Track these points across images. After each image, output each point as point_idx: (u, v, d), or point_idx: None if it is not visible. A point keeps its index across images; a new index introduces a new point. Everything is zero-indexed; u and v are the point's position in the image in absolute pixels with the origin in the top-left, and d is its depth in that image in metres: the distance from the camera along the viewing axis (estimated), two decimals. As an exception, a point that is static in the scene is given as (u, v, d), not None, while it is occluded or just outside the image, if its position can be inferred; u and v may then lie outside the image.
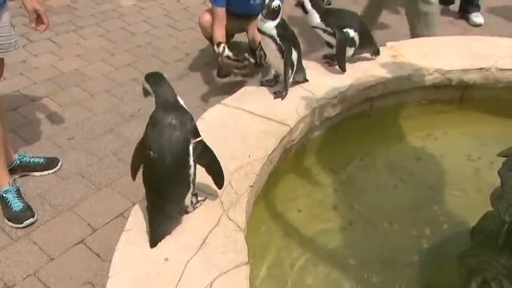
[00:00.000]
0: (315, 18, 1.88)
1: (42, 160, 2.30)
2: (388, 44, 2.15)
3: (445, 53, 2.08)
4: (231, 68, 2.70)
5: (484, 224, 1.30)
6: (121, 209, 2.04)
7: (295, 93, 1.77)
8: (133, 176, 1.31)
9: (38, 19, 1.94)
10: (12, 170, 2.19)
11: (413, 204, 1.73)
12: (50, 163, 2.30)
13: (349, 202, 1.72)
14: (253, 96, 1.79)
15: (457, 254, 1.39)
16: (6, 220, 2.00)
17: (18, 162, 2.23)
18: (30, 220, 2.00)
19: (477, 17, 3.77)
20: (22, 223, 1.99)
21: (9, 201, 2.03)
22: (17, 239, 1.94)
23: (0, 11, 1.84)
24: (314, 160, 1.87)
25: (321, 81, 1.84)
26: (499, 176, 1.24)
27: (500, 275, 1.23)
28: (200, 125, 1.36)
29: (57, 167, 2.31)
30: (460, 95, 2.06)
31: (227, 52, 2.57)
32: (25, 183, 2.21)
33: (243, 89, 1.86)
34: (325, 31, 1.91)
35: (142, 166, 1.21)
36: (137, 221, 1.25)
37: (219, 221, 1.26)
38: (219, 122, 1.64)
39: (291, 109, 1.70)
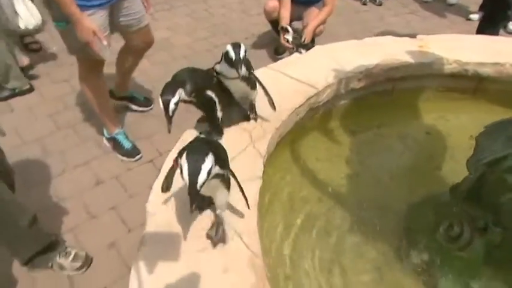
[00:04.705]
0: None
1: (143, 98, 2.52)
2: (419, 36, 2.13)
3: (468, 48, 2.02)
4: (288, 48, 2.78)
5: (461, 182, 1.33)
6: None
7: (328, 64, 1.83)
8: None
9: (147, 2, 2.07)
10: (121, 98, 2.44)
11: (413, 167, 1.76)
12: (148, 102, 2.53)
13: (360, 159, 1.77)
14: (293, 64, 1.87)
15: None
16: (120, 156, 2.16)
17: (129, 94, 2.48)
18: (139, 156, 2.17)
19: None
20: (134, 157, 2.16)
21: (120, 142, 2.18)
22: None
23: None
24: (337, 123, 1.92)
25: (351, 58, 1.87)
26: (475, 140, 1.27)
27: (463, 220, 1.27)
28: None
29: (151, 106, 2.54)
30: (475, 86, 2.01)
31: (288, 35, 2.65)
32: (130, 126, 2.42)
33: (285, 58, 1.95)
34: None
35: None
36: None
37: (246, 147, 1.38)
38: (262, 80, 1.74)
39: (322, 77, 1.76)
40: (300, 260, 1.35)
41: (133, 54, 2.18)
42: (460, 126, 1.94)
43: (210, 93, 1.30)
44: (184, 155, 0.87)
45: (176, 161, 0.98)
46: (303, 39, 2.71)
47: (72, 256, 1.60)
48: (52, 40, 3.26)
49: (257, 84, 1.43)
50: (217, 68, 1.35)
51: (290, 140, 1.71)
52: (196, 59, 2.99)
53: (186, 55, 3.09)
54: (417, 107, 2.03)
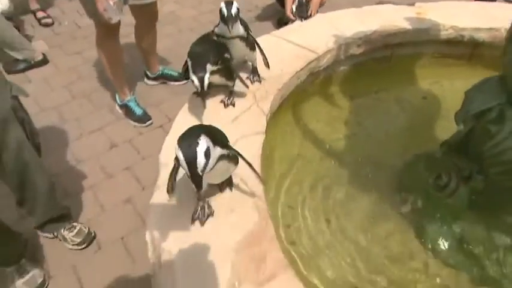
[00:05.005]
0: None
1: (176, 73, 2.56)
2: (417, 4, 2.16)
3: (464, 14, 2.05)
4: (292, 20, 2.82)
5: (450, 136, 1.42)
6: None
7: (328, 31, 1.89)
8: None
9: None
10: (155, 78, 2.48)
11: (409, 128, 1.83)
12: (181, 76, 2.53)
13: (359, 120, 1.85)
14: (294, 31, 1.94)
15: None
16: (132, 121, 2.26)
17: (160, 72, 2.52)
18: (150, 122, 2.27)
19: None
20: (145, 123, 2.26)
21: (132, 108, 2.27)
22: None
23: None
24: (337, 88, 1.99)
25: (351, 25, 1.92)
26: (464, 94, 1.34)
27: (451, 171, 1.36)
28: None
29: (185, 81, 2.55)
30: (470, 52, 2.06)
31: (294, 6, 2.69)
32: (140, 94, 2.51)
33: (287, 26, 2.02)
34: None
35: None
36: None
37: (250, 107, 1.47)
38: (264, 47, 1.81)
39: (322, 42, 1.82)
40: (299, 209, 1.46)
41: (146, 29, 2.25)
42: (454, 91, 1.98)
43: (227, 55, 1.35)
44: (176, 146, 0.83)
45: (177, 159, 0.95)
46: (309, 12, 2.75)
47: (75, 231, 1.66)
48: (63, 15, 3.33)
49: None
50: (216, 30, 1.40)
51: (292, 103, 1.79)
52: (202, 31, 3.01)
53: (192, 28, 3.15)
54: (414, 72, 2.09)
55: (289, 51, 1.78)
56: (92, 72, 2.67)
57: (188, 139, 0.83)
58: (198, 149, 0.80)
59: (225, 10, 1.29)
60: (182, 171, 0.96)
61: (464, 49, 2.05)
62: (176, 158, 0.85)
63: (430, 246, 1.35)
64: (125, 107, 2.28)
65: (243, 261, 0.99)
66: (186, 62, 1.29)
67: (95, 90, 2.53)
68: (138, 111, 2.26)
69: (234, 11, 1.29)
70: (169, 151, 1.32)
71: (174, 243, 1.04)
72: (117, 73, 2.20)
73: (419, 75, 2.07)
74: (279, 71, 1.64)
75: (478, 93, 1.25)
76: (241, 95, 1.50)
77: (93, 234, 1.70)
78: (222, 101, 1.45)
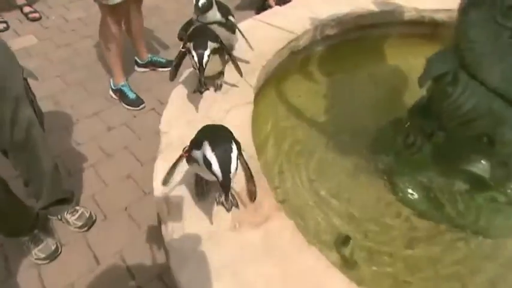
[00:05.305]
0: None
1: (164, 60, 2.63)
2: (385, -11, 2.31)
3: (428, -4, 2.21)
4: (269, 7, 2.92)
5: (415, 102, 1.57)
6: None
7: (305, 15, 2.01)
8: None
9: None
10: (145, 65, 2.55)
11: (381, 99, 1.96)
12: (169, 63, 2.62)
13: (336, 94, 1.97)
14: (274, 15, 2.05)
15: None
16: (126, 105, 2.34)
17: (150, 59, 2.60)
18: (143, 105, 2.36)
19: None
20: (138, 106, 2.34)
21: (125, 92, 2.35)
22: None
23: None
24: (316, 67, 2.11)
25: (326, 9, 2.03)
26: (426, 61, 1.49)
27: (417, 131, 1.51)
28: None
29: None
30: (431, 32, 2.21)
31: None
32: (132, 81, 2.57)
33: (267, 11, 2.14)
34: None
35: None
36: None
37: (238, 81, 1.57)
38: (246, 30, 1.90)
39: (300, 25, 1.94)
40: (285, 172, 1.59)
41: (133, 14, 2.31)
42: (419, 66, 2.15)
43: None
44: (207, 147, 0.81)
45: (189, 152, 0.95)
46: None
47: (77, 215, 1.72)
48: (50, 9, 3.34)
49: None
50: (194, 17, 1.47)
51: (275, 80, 1.91)
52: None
53: (176, 19, 3.21)
54: (384, 51, 2.23)
55: (270, 33, 1.89)
56: (84, 62, 2.72)
57: (222, 144, 0.81)
58: (232, 155, 0.79)
59: (194, 1, 1.38)
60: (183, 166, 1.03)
61: (425, 29, 2.20)
62: (189, 153, 0.90)
63: (401, 197, 1.51)
64: (119, 92, 2.36)
65: (241, 207, 1.11)
66: (180, 51, 1.33)
67: (88, 79, 2.59)
68: (131, 95, 2.34)
69: (201, 2, 1.37)
70: (168, 121, 1.42)
71: (180, 192, 1.15)
72: (115, 57, 2.28)
73: (389, 53, 2.22)
74: (263, 50, 1.75)
75: (436, 60, 1.40)
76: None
77: (94, 217, 1.75)
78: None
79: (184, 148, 0.98)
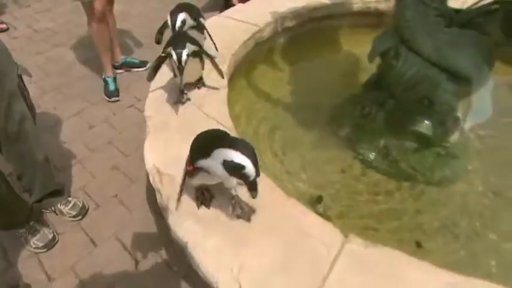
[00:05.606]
0: None
1: (137, 61, 2.73)
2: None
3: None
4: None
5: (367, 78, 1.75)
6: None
7: (266, 9, 2.16)
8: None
9: None
10: (120, 67, 2.65)
11: (337, 80, 2.12)
12: (142, 63, 2.73)
13: (298, 79, 2.10)
14: (238, 11, 2.19)
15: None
16: (104, 95, 2.45)
17: (124, 60, 2.69)
18: (115, 99, 2.44)
19: None
20: (111, 98, 2.43)
21: (108, 84, 2.47)
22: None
23: None
24: (279, 57, 2.26)
25: (285, 3, 2.19)
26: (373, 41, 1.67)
27: (371, 102, 1.69)
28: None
29: (146, 67, 2.73)
30: (376, 21, 2.41)
31: None
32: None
33: (232, 8, 2.27)
34: None
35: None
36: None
37: (211, 68, 1.69)
38: (215, 25, 2.04)
39: (262, 18, 2.09)
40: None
41: (107, 13, 2.39)
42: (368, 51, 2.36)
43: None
44: (239, 156, 0.82)
45: (192, 165, 0.95)
46: None
47: (71, 205, 1.75)
48: (16, 21, 3.31)
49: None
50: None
51: (244, 70, 2.05)
52: (153, 26, 3.18)
53: (143, 24, 3.29)
54: (338, 40, 2.42)
55: (236, 27, 2.03)
56: (58, 68, 2.74)
57: (247, 146, 0.84)
58: (256, 152, 0.84)
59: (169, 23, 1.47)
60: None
61: (371, 19, 2.40)
62: (194, 166, 0.91)
63: (362, 160, 1.68)
64: (104, 81, 2.50)
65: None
66: (160, 56, 1.36)
67: (64, 84, 2.61)
68: (111, 87, 2.46)
69: (178, 24, 1.46)
70: (152, 106, 1.52)
71: (170, 165, 1.26)
72: (104, 50, 2.43)
73: (342, 41, 2.40)
74: (230, 41, 1.89)
75: (381, 39, 1.58)
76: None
77: (87, 207, 1.79)
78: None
79: (187, 164, 0.98)
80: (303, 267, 0.95)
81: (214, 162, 0.87)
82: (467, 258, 1.28)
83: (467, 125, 1.47)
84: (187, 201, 1.14)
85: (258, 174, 0.82)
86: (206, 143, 0.92)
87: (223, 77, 1.51)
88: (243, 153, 0.81)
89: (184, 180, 1.04)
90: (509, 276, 1.20)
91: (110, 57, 2.50)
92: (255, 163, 0.81)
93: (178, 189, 1.10)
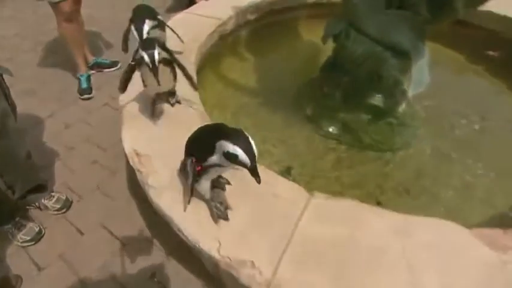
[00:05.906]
0: None
1: (108, 61, 2.73)
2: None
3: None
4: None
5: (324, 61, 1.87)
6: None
7: (228, 4, 2.23)
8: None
9: None
10: (91, 68, 2.64)
11: (298, 66, 2.23)
12: (113, 63, 2.73)
13: (264, 67, 2.20)
14: (202, 7, 2.25)
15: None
16: (77, 91, 2.47)
17: (94, 61, 2.69)
18: (87, 96, 2.45)
19: None
20: (82, 95, 2.45)
21: (81, 81, 2.48)
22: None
23: None
24: (243, 48, 2.35)
25: (245, -1, 2.30)
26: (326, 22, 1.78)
27: (329, 82, 1.81)
28: (170, 22, 1.85)
29: (118, 66, 2.73)
30: (330, 12, 2.53)
31: None
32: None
33: (195, 5, 2.33)
34: None
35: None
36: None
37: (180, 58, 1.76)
38: (181, 22, 2.10)
39: (225, 12, 2.17)
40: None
41: (75, 14, 2.39)
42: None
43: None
44: (231, 145, 0.83)
45: (200, 164, 0.95)
46: None
47: (54, 199, 1.75)
48: (-18, 31, 3.22)
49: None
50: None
51: (211, 61, 2.11)
52: (120, 28, 3.18)
53: (110, 27, 3.28)
54: (298, 30, 2.54)
55: (201, 22, 2.09)
56: (29, 73, 2.69)
57: (240, 136, 0.84)
58: (252, 140, 0.84)
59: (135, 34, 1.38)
60: None
61: (325, 9, 2.52)
62: (201, 166, 0.92)
63: (325, 133, 1.79)
64: (78, 79, 2.51)
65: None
66: (129, 64, 1.31)
67: (37, 88, 2.57)
68: (84, 84, 2.47)
69: (144, 34, 1.37)
70: (126, 96, 1.56)
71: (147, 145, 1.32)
72: (76, 50, 2.45)
73: (300, 31, 2.52)
74: (195, 34, 1.95)
75: (332, 22, 1.68)
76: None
77: (70, 200, 1.79)
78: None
79: (193, 165, 0.97)
80: (275, 221, 1.04)
81: (219, 155, 0.89)
82: (418, 209, 1.41)
83: (409, 94, 1.61)
84: (168, 177, 1.20)
85: (253, 161, 0.82)
86: (206, 140, 0.93)
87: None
88: (234, 143, 0.83)
89: (192, 184, 1.00)
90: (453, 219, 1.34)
91: (82, 54, 2.49)
92: (248, 151, 0.82)
93: (183, 194, 1.14)
